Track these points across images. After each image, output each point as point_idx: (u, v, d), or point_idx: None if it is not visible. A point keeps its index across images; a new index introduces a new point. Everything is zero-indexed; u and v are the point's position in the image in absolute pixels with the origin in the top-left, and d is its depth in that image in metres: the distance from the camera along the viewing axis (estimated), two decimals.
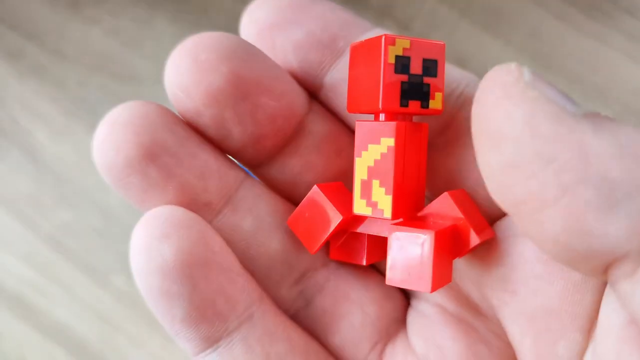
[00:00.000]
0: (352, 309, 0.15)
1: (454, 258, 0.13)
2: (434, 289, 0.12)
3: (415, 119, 0.14)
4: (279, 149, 0.15)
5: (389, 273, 0.13)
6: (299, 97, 0.15)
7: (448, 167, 0.14)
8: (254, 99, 0.13)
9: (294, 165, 0.15)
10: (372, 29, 0.15)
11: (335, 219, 0.14)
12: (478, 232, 0.13)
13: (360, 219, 0.15)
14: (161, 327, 0.36)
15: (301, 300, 0.15)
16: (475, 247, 0.13)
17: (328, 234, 0.14)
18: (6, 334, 0.35)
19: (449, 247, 0.13)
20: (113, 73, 0.37)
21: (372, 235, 0.15)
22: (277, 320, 0.14)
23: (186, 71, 0.13)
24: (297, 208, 0.15)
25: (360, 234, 0.15)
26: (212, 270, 0.13)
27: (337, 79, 0.15)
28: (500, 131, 0.11)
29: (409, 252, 0.13)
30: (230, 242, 0.14)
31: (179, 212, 0.13)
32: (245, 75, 0.13)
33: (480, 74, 0.39)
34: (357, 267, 0.16)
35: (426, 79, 0.13)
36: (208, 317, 0.13)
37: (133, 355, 0.34)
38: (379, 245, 0.15)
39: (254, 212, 0.14)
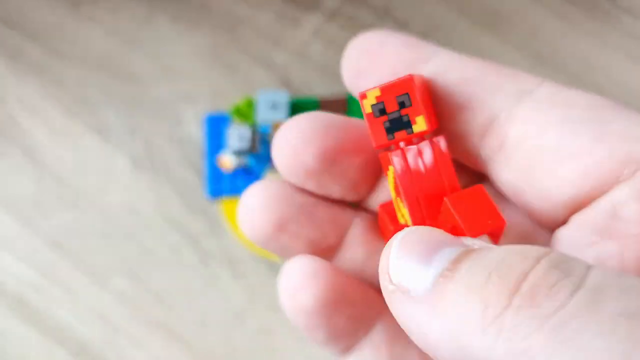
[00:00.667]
0: None
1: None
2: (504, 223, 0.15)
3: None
4: (373, 187, 0.18)
5: (467, 228, 0.14)
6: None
7: (506, 177, 0.16)
8: (340, 163, 0.17)
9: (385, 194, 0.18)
10: None
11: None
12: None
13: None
14: (161, 327, 0.36)
15: None
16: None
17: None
18: (7, 335, 0.35)
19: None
20: (113, 73, 0.37)
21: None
22: (397, 332, 0.17)
23: (284, 156, 0.17)
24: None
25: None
26: (341, 305, 0.17)
27: None
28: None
29: (472, 205, 0.15)
30: (349, 271, 0.18)
31: (311, 262, 0.17)
32: (329, 148, 0.16)
33: None
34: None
35: (403, 111, 0.15)
36: (343, 338, 0.17)
37: (133, 355, 0.34)
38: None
39: (365, 242, 0.18)
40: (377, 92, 0.15)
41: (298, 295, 0.17)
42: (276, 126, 0.34)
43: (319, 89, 0.37)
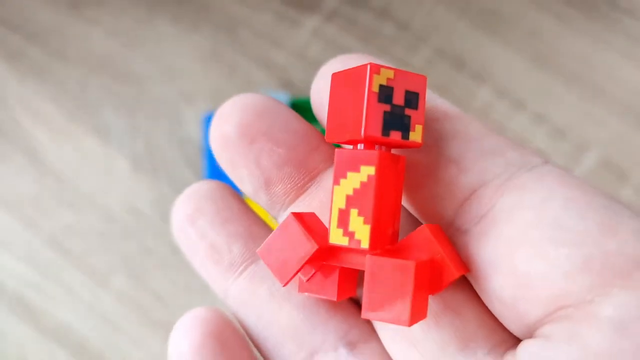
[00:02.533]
0: None
1: (429, 294, 0.13)
2: (411, 323, 0.12)
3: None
4: (292, 198, 0.16)
5: (365, 306, 0.13)
6: (316, 151, 0.15)
7: (483, 255, 0.13)
8: (260, 144, 0.15)
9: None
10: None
11: (310, 248, 0.14)
12: (456, 268, 0.13)
13: (334, 251, 0.14)
14: (161, 327, 0.36)
15: None
16: (452, 282, 0.13)
17: (301, 264, 0.14)
18: (7, 334, 0.35)
19: (427, 281, 0.13)
20: (114, 74, 0.38)
21: (344, 269, 0.14)
22: None
23: (214, 122, 0.16)
24: (270, 237, 0.14)
25: (331, 267, 0.14)
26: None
27: None
28: None
29: (387, 284, 0.12)
30: (246, 306, 0.16)
31: (204, 311, 0.15)
32: (253, 124, 0.15)
33: (480, 74, 0.39)
34: (368, 358, 0.15)
35: (407, 111, 0.13)
36: None
37: (133, 355, 0.34)
38: (351, 280, 0.15)
39: (271, 280, 0.16)
40: (391, 74, 0.13)
41: (178, 341, 0.15)
42: None
43: None
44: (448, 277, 0.13)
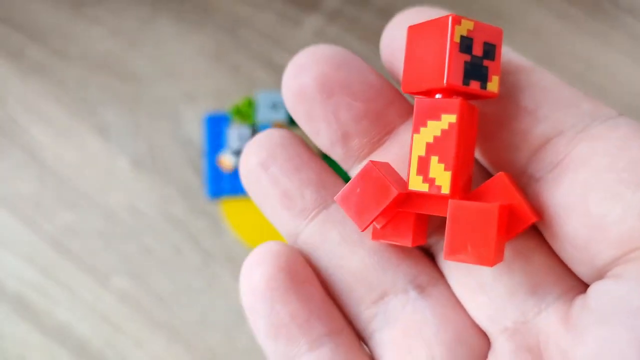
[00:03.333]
0: (418, 347, 0.15)
1: (507, 239, 0.14)
2: (494, 263, 0.13)
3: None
4: (367, 152, 0.16)
5: (447, 247, 0.13)
6: (392, 106, 0.15)
7: (557, 200, 0.14)
8: (338, 98, 0.15)
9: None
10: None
11: (392, 193, 0.14)
12: (532, 212, 0.13)
13: (411, 198, 0.14)
14: (161, 327, 0.36)
15: (376, 323, 0.16)
16: (525, 228, 0.14)
17: (381, 209, 0.14)
18: (8, 334, 0.35)
19: (505, 224, 0.13)
20: (115, 73, 0.38)
21: (418, 216, 0.15)
22: (348, 356, 0.15)
23: (288, 73, 0.15)
24: (349, 184, 0.14)
25: (406, 215, 0.15)
26: (291, 296, 0.15)
27: None
28: None
29: (470, 227, 0.13)
30: (317, 250, 0.16)
31: (276, 245, 0.16)
32: (332, 77, 0.15)
33: None
34: (437, 300, 0.15)
35: (485, 62, 0.13)
36: (282, 336, 0.15)
37: (134, 355, 0.34)
38: (422, 228, 0.15)
39: (342, 226, 0.16)
40: (471, 26, 0.13)
41: (250, 272, 0.15)
42: (276, 126, 0.34)
43: None
44: (524, 222, 0.13)
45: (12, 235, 0.36)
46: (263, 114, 0.34)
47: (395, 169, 0.15)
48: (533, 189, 0.14)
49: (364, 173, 0.14)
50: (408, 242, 0.15)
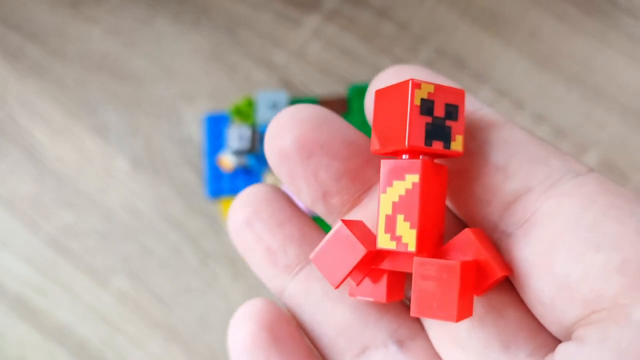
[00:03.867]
0: None
1: (474, 294, 0.14)
2: (458, 319, 0.13)
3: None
4: (349, 208, 0.16)
5: (414, 304, 0.13)
6: (370, 163, 0.16)
7: (525, 257, 0.14)
8: (317, 158, 0.16)
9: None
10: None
11: (360, 251, 0.14)
12: (499, 268, 0.14)
13: (382, 256, 0.15)
14: (161, 327, 0.36)
15: None
16: (495, 283, 0.14)
17: (351, 267, 0.15)
18: (7, 334, 0.35)
19: (472, 281, 0.14)
20: (113, 73, 0.37)
21: (392, 273, 0.15)
22: None
23: (269, 134, 0.16)
24: (322, 243, 0.15)
25: (380, 271, 0.15)
26: (273, 354, 0.16)
27: None
28: None
29: (434, 283, 0.13)
30: (301, 305, 0.17)
31: (260, 302, 0.16)
32: (310, 138, 0.15)
33: (480, 74, 0.39)
34: (416, 355, 0.16)
35: (448, 122, 0.14)
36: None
37: (133, 355, 0.34)
38: (399, 283, 0.16)
39: (324, 281, 0.16)
40: (432, 89, 0.14)
41: (237, 331, 0.16)
42: None
43: (319, 89, 0.37)
44: (491, 277, 0.14)
45: (12, 235, 0.36)
46: (263, 113, 0.34)
47: (373, 224, 0.16)
48: (505, 245, 0.14)
49: (335, 232, 0.15)
50: (382, 299, 0.15)
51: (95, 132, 0.37)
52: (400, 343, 0.16)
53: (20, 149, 0.37)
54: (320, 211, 0.16)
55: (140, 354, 0.34)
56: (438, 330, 0.15)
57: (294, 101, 0.35)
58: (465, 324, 0.15)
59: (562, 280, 0.13)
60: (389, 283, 0.15)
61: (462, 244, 0.14)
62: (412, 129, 0.13)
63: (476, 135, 0.15)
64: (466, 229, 0.14)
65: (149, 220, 0.36)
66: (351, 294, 0.16)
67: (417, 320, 0.16)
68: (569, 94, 0.36)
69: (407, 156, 0.14)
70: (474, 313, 0.14)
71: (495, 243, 0.14)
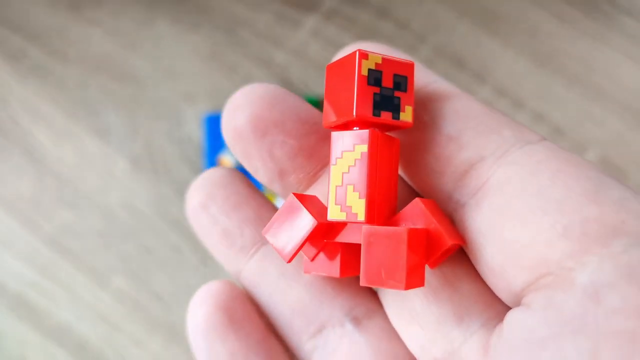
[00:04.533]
0: None
1: (426, 262, 0.14)
2: (407, 287, 0.13)
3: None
4: (305, 186, 0.16)
5: (363, 274, 0.13)
6: (326, 140, 0.16)
7: (476, 226, 0.14)
8: (272, 137, 0.15)
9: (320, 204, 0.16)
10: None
11: (311, 223, 0.14)
12: (449, 236, 0.14)
13: (334, 228, 0.15)
14: (161, 327, 0.36)
15: (316, 356, 0.16)
16: (448, 253, 0.14)
17: (302, 240, 0.14)
18: (7, 334, 0.35)
19: (422, 249, 0.13)
20: (114, 74, 0.38)
21: (346, 248, 0.15)
22: None
23: (225, 113, 0.16)
24: (273, 217, 0.15)
25: (334, 246, 0.15)
26: (229, 335, 0.16)
27: None
28: None
29: (382, 251, 0.13)
30: (257, 286, 0.17)
31: (217, 285, 0.16)
32: (265, 116, 0.15)
33: (479, 73, 0.39)
34: (372, 333, 0.16)
35: (397, 93, 0.14)
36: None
37: (133, 355, 0.34)
38: (354, 258, 0.16)
39: (279, 261, 0.16)
40: (379, 59, 0.14)
41: (194, 312, 0.16)
42: None
43: (318, 89, 0.37)
44: (442, 246, 0.14)
45: (12, 235, 0.36)
46: None
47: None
48: (459, 215, 0.14)
49: (286, 206, 0.15)
50: (336, 273, 0.15)
51: (95, 133, 0.37)
52: (357, 321, 0.16)
53: (21, 150, 0.37)
54: (277, 190, 0.16)
55: (140, 354, 0.34)
56: (395, 307, 0.15)
57: None
58: (420, 299, 0.15)
59: (510, 247, 0.13)
60: (342, 258, 0.15)
61: (412, 214, 0.14)
62: (359, 100, 0.13)
63: (429, 106, 0.15)
64: (416, 199, 0.14)
65: (149, 220, 0.36)
66: (306, 271, 0.15)
67: (375, 298, 0.16)
68: (568, 93, 0.37)
69: (357, 128, 0.14)
70: (428, 287, 0.14)
71: (450, 214, 0.14)
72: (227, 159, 0.35)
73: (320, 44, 0.37)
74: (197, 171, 0.36)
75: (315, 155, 0.16)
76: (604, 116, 0.36)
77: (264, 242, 0.16)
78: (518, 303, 0.13)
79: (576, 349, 0.11)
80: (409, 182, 0.16)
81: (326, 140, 0.16)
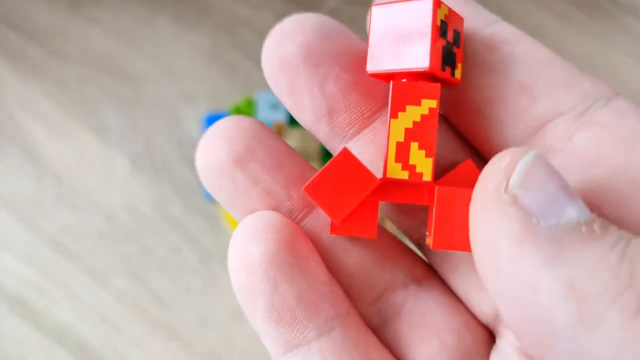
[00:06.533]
0: (428, 336, 0.14)
1: None
2: None
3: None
4: (356, 130, 0.14)
5: (436, 237, 0.13)
6: (382, 82, 0.14)
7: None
8: (325, 68, 0.14)
9: (372, 153, 0.14)
10: None
11: (373, 181, 0.13)
12: None
13: (384, 188, 0.14)
14: (161, 327, 0.36)
15: (378, 319, 0.15)
16: None
17: (361, 198, 0.13)
18: (7, 335, 0.35)
19: None
20: (113, 73, 0.37)
21: (361, 206, 0.14)
22: (359, 339, 0.14)
23: (271, 40, 0.14)
24: (320, 173, 0.13)
25: (368, 205, 0.14)
26: (295, 274, 0.14)
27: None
28: (474, 246, 0.11)
29: (457, 213, 0.13)
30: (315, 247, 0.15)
31: (273, 216, 0.14)
32: (319, 46, 0.14)
33: None
34: (437, 291, 0.15)
35: (454, 48, 0.13)
36: (286, 320, 0.14)
37: (133, 355, 0.34)
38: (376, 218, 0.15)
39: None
40: (447, 10, 0.13)
41: (246, 249, 0.14)
42: (276, 126, 0.34)
43: None
44: None
45: (12, 235, 0.36)
46: (263, 114, 0.34)
47: (383, 151, 0.14)
48: None
49: (337, 161, 0.13)
50: (372, 234, 0.14)
51: (95, 132, 0.37)
52: (418, 282, 0.15)
53: (20, 149, 0.37)
54: (323, 131, 0.14)
55: (140, 354, 0.34)
56: (461, 273, 0.15)
57: None
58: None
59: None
60: (370, 217, 0.14)
61: (464, 174, 0.13)
62: (433, 52, 0.12)
63: (496, 49, 0.13)
64: (468, 160, 0.13)
65: (149, 220, 0.36)
66: (333, 232, 0.14)
67: (425, 264, 0.15)
68: None
69: (405, 80, 0.13)
70: None
71: None
72: None
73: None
74: (197, 171, 0.36)
75: (372, 95, 0.14)
76: None
77: (313, 206, 0.14)
78: None
79: None
80: (463, 134, 0.14)
81: (382, 82, 0.14)
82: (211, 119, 0.36)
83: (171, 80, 0.37)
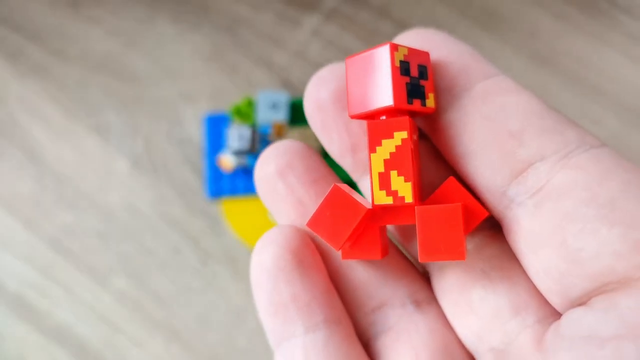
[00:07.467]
0: (405, 353, 0.16)
1: (465, 234, 0.15)
2: (466, 256, 0.14)
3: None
4: None
5: (422, 250, 0.14)
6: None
7: (535, 227, 0.14)
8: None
9: None
10: None
11: (362, 210, 0.15)
12: (484, 209, 0.15)
13: (376, 214, 0.16)
14: (161, 327, 0.36)
15: (371, 332, 0.17)
16: (478, 224, 0.15)
17: (354, 226, 0.15)
18: (7, 335, 0.35)
19: (464, 223, 0.15)
20: (113, 73, 0.38)
21: (381, 229, 0.16)
22: (343, 346, 0.16)
23: (311, 85, 0.17)
24: (318, 208, 0.16)
25: (370, 230, 0.16)
26: (295, 278, 0.16)
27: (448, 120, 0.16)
28: None
29: (438, 227, 0.14)
30: (325, 259, 0.17)
31: (289, 228, 0.17)
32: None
33: None
34: (431, 316, 0.16)
35: (421, 82, 0.15)
36: (280, 315, 0.16)
37: (133, 355, 0.34)
38: (386, 240, 0.16)
39: None
40: (405, 51, 0.15)
41: (260, 252, 0.16)
42: (276, 126, 0.34)
43: None
44: (477, 218, 0.15)
45: (11, 235, 0.36)
46: (263, 114, 0.34)
47: None
48: (514, 213, 0.14)
49: (330, 197, 0.15)
50: (377, 255, 0.16)
51: (95, 132, 0.37)
52: (418, 304, 0.16)
53: (21, 149, 0.37)
54: (348, 164, 0.17)
55: (140, 354, 0.34)
56: (450, 297, 0.16)
57: (294, 101, 0.35)
58: (478, 290, 0.15)
59: (574, 254, 0.13)
60: (382, 239, 0.16)
61: (448, 191, 0.15)
62: (395, 89, 0.14)
63: (492, 99, 0.15)
64: (450, 177, 0.15)
65: (149, 220, 0.36)
66: (344, 257, 0.16)
67: (431, 289, 0.17)
68: (566, 92, 0.37)
69: (384, 117, 0.15)
70: (488, 280, 0.15)
71: (502, 211, 0.15)
72: (226, 159, 0.35)
73: (321, 43, 0.37)
74: (197, 171, 0.36)
75: None
76: (602, 115, 0.36)
77: None
78: (569, 307, 0.13)
79: (636, 351, 0.11)
80: (462, 171, 0.16)
81: None
82: (211, 119, 0.36)
83: (171, 80, 0.37)
